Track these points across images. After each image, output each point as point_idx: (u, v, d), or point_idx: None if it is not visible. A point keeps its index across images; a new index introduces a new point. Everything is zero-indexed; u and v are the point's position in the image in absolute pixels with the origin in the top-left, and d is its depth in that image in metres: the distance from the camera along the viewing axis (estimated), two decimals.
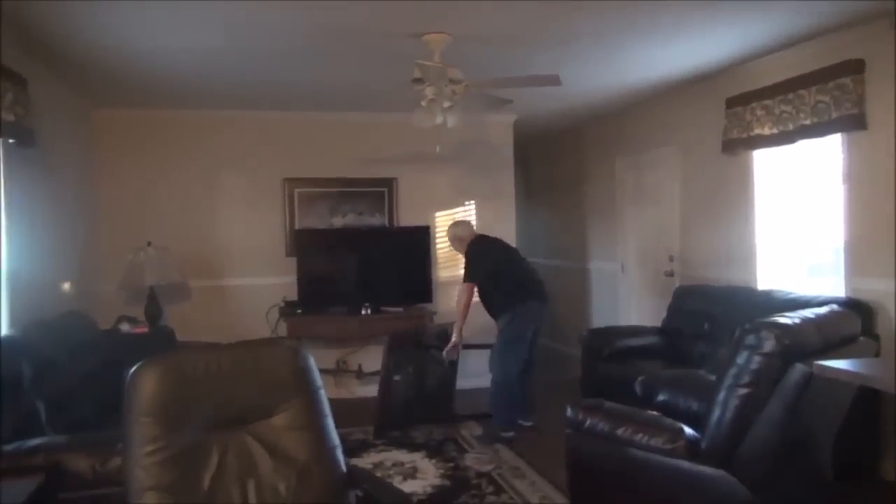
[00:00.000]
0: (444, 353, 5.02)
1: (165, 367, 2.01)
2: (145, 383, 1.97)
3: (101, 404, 3.53)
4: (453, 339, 4.98)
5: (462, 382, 5.51)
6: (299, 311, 5.78)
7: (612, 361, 4.97)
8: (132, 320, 5.11)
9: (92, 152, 5.59)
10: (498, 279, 4.98)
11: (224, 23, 3.67)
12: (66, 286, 4.78)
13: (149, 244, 5.38)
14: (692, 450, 2.64)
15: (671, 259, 5.93)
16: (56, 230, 4.61)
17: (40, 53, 4.07)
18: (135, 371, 1.98)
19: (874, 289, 3.93)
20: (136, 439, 1.93)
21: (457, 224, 5.43)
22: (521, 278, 5.05)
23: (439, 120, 4.07)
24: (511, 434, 4.77)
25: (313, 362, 2.19)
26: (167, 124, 5.87)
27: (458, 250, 5.32)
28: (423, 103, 4.01)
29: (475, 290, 5.01)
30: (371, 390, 6.03)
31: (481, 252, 5.07)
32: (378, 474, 3.88)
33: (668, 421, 2.79)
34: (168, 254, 5.46)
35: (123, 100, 5.49)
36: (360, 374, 6.12)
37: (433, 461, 4.30)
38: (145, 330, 5.09)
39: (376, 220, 6.30)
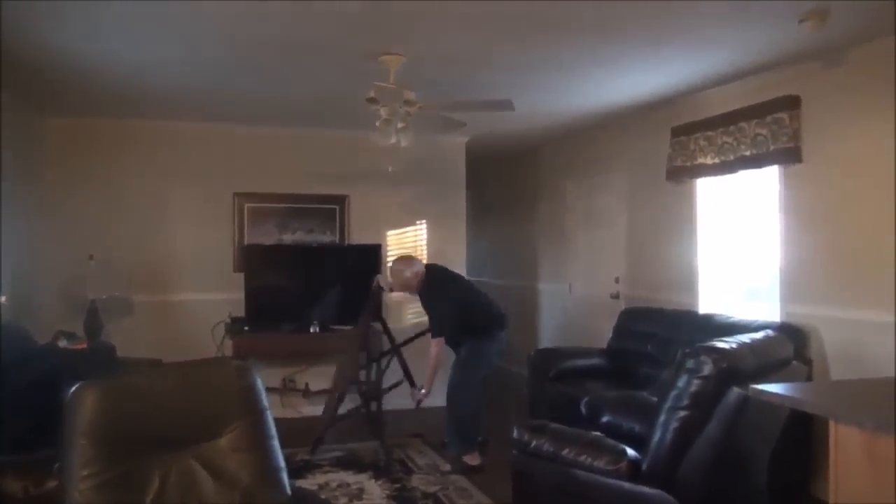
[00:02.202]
0: (413, 399, 4.81)
1: (107, 389, 1.97)
2: (85, 405, 1.93)
3: (36, 422, 3.41)
4: (423, 391, 4.74)
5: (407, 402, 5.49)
6: (246, 328, 5.69)
7: (558, 381, 5.05)
8: (71, 336, 4.95)
9: (35, 160, 5.42)
10: (464, 313, 4.72)
11: (177, 34, 3.63)
12: (1, 299, 4.61)
13: (91, 257, 5.23)
14: (634, 471, 2.71)
15: (617, 281, 6.06)
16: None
17: None
18: (74, 391, 1.93)
19: (807, 314, 4.10)
20: (74, 462, 1.88)
21: (403, 262, 4.91)
22: (486, 309, 4.87)
23: (393, 140, 4.11)
24: (478, 459, 4.63)
25: (260, 383, 2.18)
26: (115, 134, 5.74)
27: (408, 292, 4.96)
28: (378, 123, 4.04)
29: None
30: (318, 410, 5.99)
31: (446, 298, 4.72)
32: (323, 496, 3.84)
33: (611, 442, 2.85)
34: (112, 267, 5.33)
35: (71, 109, 5.36)
36: (306, 394, 6.05)
37: (379, 482, 4.28)
38: (84, 346, 4.93)
39: (327, 238, 6.27)
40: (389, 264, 5.11)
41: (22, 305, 4.98)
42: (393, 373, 5.19)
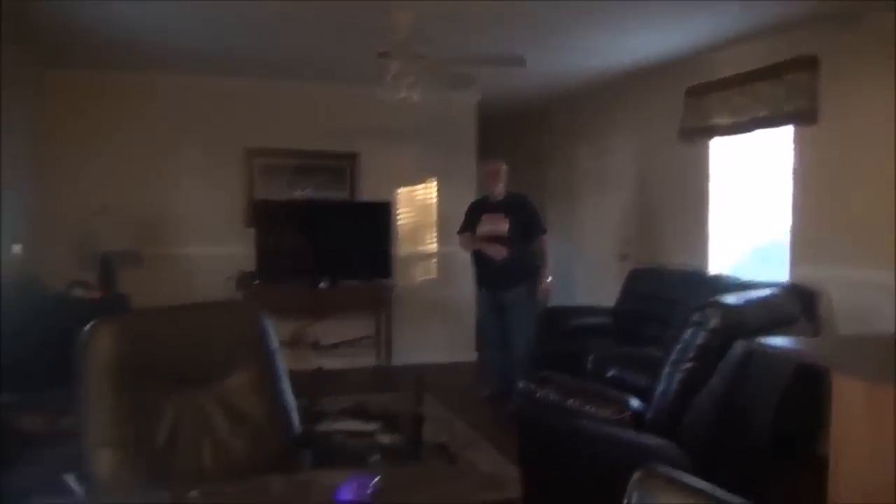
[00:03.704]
0: (539, 297, 5.05)
1: (122, 325, 2.01)
2: (101, 341, 1.97)
3: (52, 370, 3.48)
4: (549, 280, 5.05)
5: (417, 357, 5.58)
6: (256, 281, 5.75)
7: (566, 339, 5.09)
8: (85, 286, 5.02)
9: (45, 113, 5.42)
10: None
11: None
12: (17, 248, 4.67)
13: (103, 209, 5.27)
14: (638, 420, 2.75)
15: (626, 242, 6.06)
16: (5, 191, 4.49)
17: None
18: (90, 328, 1.97)
19: (816, 274, 4.10)
20: (90, 397, 1.93)
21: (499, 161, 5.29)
22: None
23: (403, 95, 4.08)
24: None
25: (271, 324, 2.21)
26: (125, 87, 5.72)
27: (493, 185, 5.15)
28: (388, 77, 4.02)
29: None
30: (328, 363, 6.08)
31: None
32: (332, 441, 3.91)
33: (616, 392, 2.89)
34: (124, 220, 5.37)
35: (79, 61, 5.34)
36: (316, 347, 6.13)
37: (388, 431, 4.34)
38: (98, 296, 5.00)
39: (337, 194, 6.28)
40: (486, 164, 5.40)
41: (37, 256, 5.04)
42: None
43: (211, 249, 5.92)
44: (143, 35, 4.61)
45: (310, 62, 5.39)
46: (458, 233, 5.33)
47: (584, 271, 6.79)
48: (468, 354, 6.48)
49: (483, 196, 5.27)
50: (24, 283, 4.31)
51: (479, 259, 5.16)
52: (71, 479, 1.78)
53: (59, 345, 3.50)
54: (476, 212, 5.22)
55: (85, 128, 5.64)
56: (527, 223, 5.03)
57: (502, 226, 4.99)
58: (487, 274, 5.13)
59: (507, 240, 4.94)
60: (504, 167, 5.19)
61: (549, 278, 5.07)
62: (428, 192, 6.51)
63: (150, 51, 5.04)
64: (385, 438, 4.13)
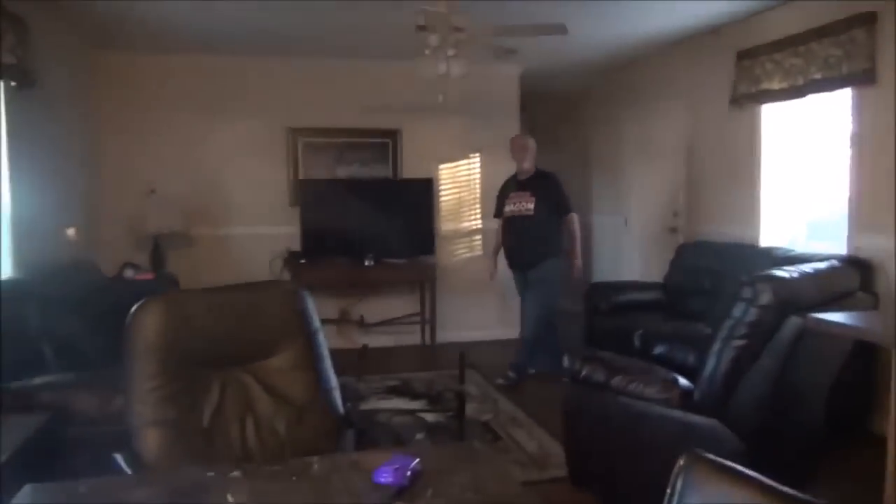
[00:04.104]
0: (575, 276, 5.03)
1: (166, 306, 2.04)
2: (147, 321, 2.00)
3: (107, 349, 3.58)
4: (578, 261, 5.03)
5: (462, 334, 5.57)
6: (302, 260, 5.81)
7: (613, 315, 5.01)
8: (136, 267, 5.15)
9: (94, 96, 5.54)
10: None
11: None
12: (71, 232, 4.81)
13: (153, 191, 5.38)
14: (686, 400, 2.68)
15: (675, 214, 5.91)
16: (59, 174, 4.62)
17: None
18: (136, 309, 2.00)
19: (876, 246, 3.92)
20: (137, 376, 1.96)
21: (527, 136, 5.26)
22: None
23: (443, 69, 4.02)
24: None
25: (312, 304, 2.21)
26: (170, 69, 5.80)
27: (519, 160, 5.09)
28: (427, 51, 3.96)
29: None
30: (373, 340, 6.13)
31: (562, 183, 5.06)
32: (377, 419, 3.95)
33: (663, 371, 2.82)
34: (171, 202, 5.48)
35: (125, 43, 5.43)
36: (362, 324, 6.18)
37: (432, 410, 4.37)
38: (149, 277, 5.13)
39: (380, 171, 6.28)
40: (513, 139, 5.28)
41: (90, 238, 5.19)
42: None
43: (257, 229, 6.00)
44: (188, 18, 4.65)
45: (350, 39, 5.37)
46: (495, 216, 5.30)
47: (631, 245, 6.66)
48: (513, 331, 6.43)
49: (513, 175, 5.19)
50: (79, 265, 4.43)
51: (505, 240, 5.15)
52: (120, 458, 1.82)
53: (113, 325, 3.62)
54: (505, 191, 5.17)
55: (131, 110, 5.74)
56: (553, 202, 4.92)
57: (528, 204, 4.92)
58: (512, 255, 5.11)
59: (531, 218, 4.90)
60: (532, 142, 5.12)
61: (579, 259, 5.02)
62: (471, 167, 6.45)
63: (195, 33, 5.08)
64: (429, 417, 4.18)
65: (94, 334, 3.73)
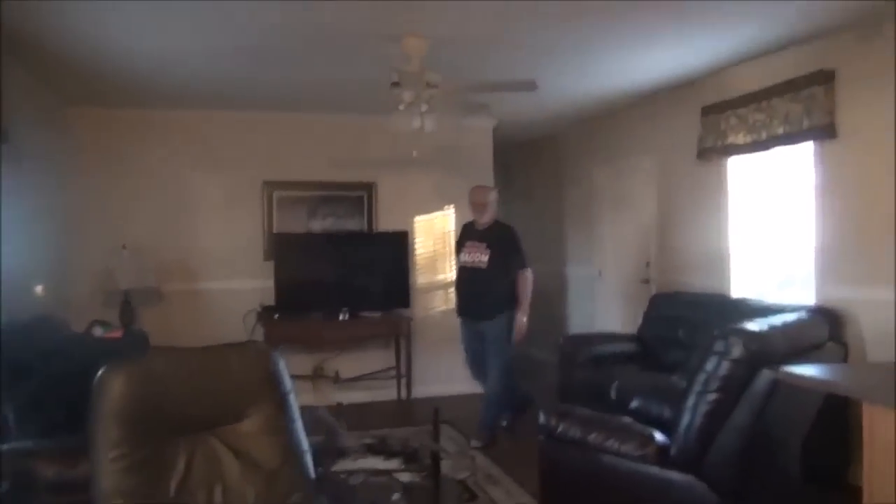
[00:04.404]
0: (518, 334, 4.84)
1: (132, 371, 1.99)
2: (112, 386, 1.95)
3: (73, 409, 3.47)
4: (525, 319, 4.82)
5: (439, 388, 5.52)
6: (276, 315, 5.75)
7: (588, 367, 4.99)
8: (105, 324, 5.05)
9: (66, 151, 5.51)
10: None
11: (201, 21, 3.66)
12: (39, 289, 4.72)
13: (123, 247, 5.32)
14: (662, 455, 2.67)
15: (647, 265, 5.98)
16: (28, 230, 4.55)
17: (14, 50, 4.02)
18: (102, 374, 1.96)
19: (843, 296, 3.99)
20: (101, 444, 1.91)
21: (486, 188, 5.14)
22: None
23: (417, 124, 4.09)
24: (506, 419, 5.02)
25: (283, 366, 2.18)
26: (144, 124, 5.81)
27: (478, 214, 5.00)
28: (401, 107, 4.02)
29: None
30: (348, 396, 6.04)
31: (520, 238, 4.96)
32: (351, 481, 3.86)
33: (639, 426, 2.81)
34: (143, 257, 5.42)
35: (99, 98, 5.44)
36: (337, 380, 6.10)
37: (408, 469, 4.28)
38: (118, 334, 5.02)
39: (355, 224, 6.29)
40: (473, 192, 5.12)
41: (58, 295, 5.09)
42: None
43: (230, 284, 5.95)
44: (162, 73, 4.68)
45: (324, 94, 5.44)
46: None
47: (605, 296, 6.70)
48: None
49: (471, 221, 5.15)
50: (45, 323, 4.33)
51: (457, 286, 5.13)
52: None
53: (79, 387, 3.52)
54: (463, 238, 5.13)
55: (104, 165, 5.71)
56: (509, 257, 4.84)
57: (483, 257, 4.85)
58: (464, 304, 5.05)
59: (485, 271, 4.82)
60: (492, 196, 5.04)
61: (525, 318, 4.82)
62: (445, 219, 6.49)
63: (169, 88, 5.11)
64: (405, 476, 4.09)
65: (60, 395, 3.62)
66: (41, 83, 4.79)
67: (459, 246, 5.13)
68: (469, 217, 5.22)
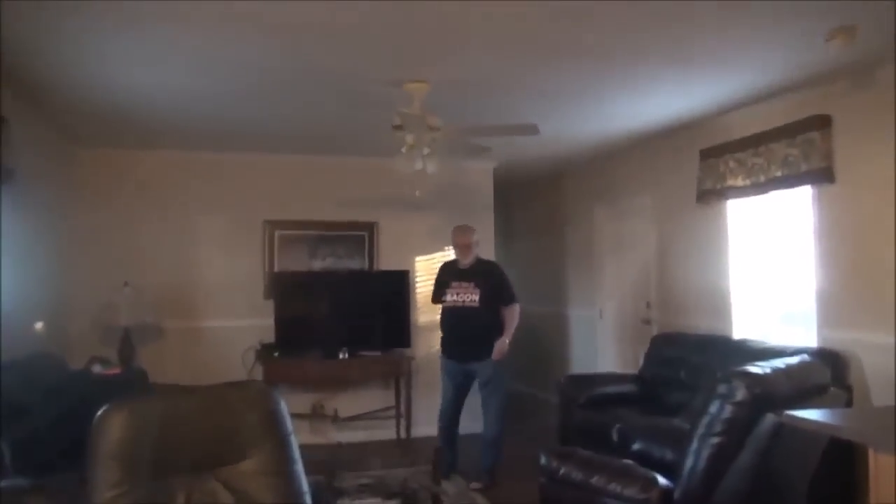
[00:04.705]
0: (497, 352, 4.75)
1: (132, 410, 1.98)
2: (111, 426, 1.94)
3: (69, 447, 3.44)
4: (507, 342, 4.77)
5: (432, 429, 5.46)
6: (276, 353, 5.73)
7: (589, 408, 4.96)
8: (104, 361, 5.02)
9: (70, 190, 5.56)
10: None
11: (206, 65, 3.72)
12: (39, 325, 4.71)
13: (125, 284, 5.33)
14: (666, 499, 2.63)
15: (648, 306, 5.97)
16: (31, 267, 4.56)
17: (22, 92, 4.09)
18: (102, 413, 1.95)
19: (846, 338, 3.98)
20: (100, 483, 1.88)
21: (469, 228, 5.06)
22: None
23: (419, 166, 4.13)
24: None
25: (284, 406, 2.17)
26: (147, 164, 5.87)
27: (463, 255, 4.96)
28: (404, 150, 4.07)
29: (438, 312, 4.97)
30: (347, 436, 5.98)
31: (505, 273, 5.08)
32: None
33: (642, 470, 2.78)
34: (144, 294, 5.42)
35: (103, 139, 5.50)
36: (335, 419, 6.04)
37: None
38: (117, 371, 5.00)
39: (356, 264, 6.30)
40: (455, 233, 5.09)
41: (58, 332, 5.08)
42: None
43: (230, 321, 5.93)
44: (165, 114, 4.74)
45: (326, 136, 5.51)
46: (433, 301, 5.17)
47: (606, 337, 6.68)
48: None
49: (453, 260, 5.11)
50: (44, 360, 4.32)
51: (448, 327, 4.99)
52: None
53: (76, 425, 3.49)
54: (445, 277, 5.04)
55: (107, 204, 5.76)
56: (498, 294, 4.85)
57: (473, 296, 4.82)
58: (454, 346, 4.94)
59: (477, 310, 4.79)
60: (476, 236, 5.02)
61: (507, 340, 4.77)
62: (446, 259, 6.48)
63: (173, 129, 5.17)
64: None
65: (57, 433, 3.59)
66: (46, 123, 4.85)
67: (442, 286, 5.02)
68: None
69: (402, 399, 6.05)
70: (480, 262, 5.01)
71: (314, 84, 4.08)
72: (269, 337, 5.80)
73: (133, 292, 5.36)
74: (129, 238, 5.77)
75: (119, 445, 1.91)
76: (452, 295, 4.91)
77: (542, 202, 8.14)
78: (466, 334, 4.86)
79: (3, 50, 3.38)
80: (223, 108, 4.61)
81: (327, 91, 4.21)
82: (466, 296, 4.85)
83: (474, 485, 4.76)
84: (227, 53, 3.53)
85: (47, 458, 3.38)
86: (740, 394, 2.58)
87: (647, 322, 5.93)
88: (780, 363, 2.92)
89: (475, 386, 4.95)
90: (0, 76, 3.33)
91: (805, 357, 3.23)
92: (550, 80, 4.04)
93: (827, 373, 3.12)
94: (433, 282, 5.29)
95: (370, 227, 6.34)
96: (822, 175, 4.08)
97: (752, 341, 4.54)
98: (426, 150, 4.05)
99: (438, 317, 5.12)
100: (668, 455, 3.33)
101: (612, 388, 5.16)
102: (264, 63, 3.69)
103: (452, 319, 4.94)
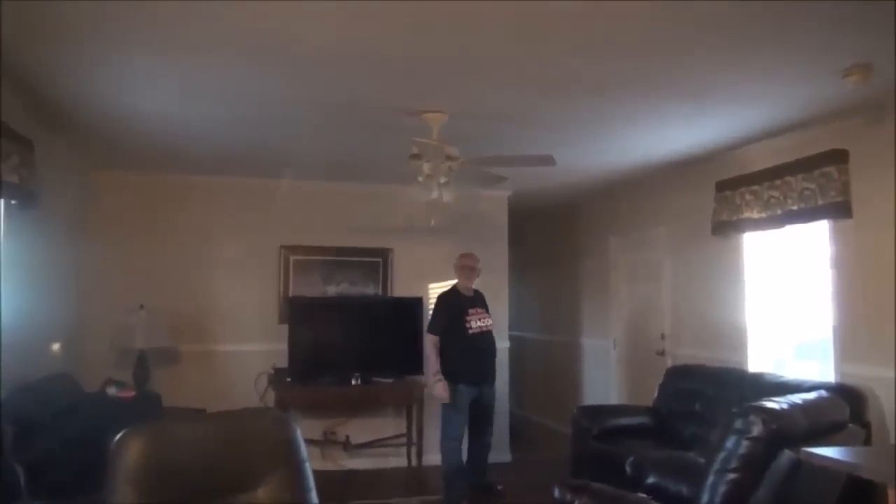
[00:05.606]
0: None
1: (149, 436, 1.99)
2: (128, 451, 1.95)
3: (83, 469, 3.46)
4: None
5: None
6: (289, 379, 5.73)
7: (602, 440, 4.91)
8: (119, 384, 5.06)
9: (89, 213, 5.64)
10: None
11: (225, 92, 3.78)
12: (56, 347, 4.76)
13: (141, 307, 5.38)
14: None
15: (662, 337, 5.94)
16: (48, 289, 4.62)
17: (45, 117, 4.17)
18: (120, 438, 1.96)
19: (864, 374, 3.93)
20: None
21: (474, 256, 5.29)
22: None
23: (435, 195, 4.16)
24: None
25: (300, 435, 2.18)
26: (165, 188, 5.94)
27: (467, 280, 5.19)
28: (420, 178, 4.11)
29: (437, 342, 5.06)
30: (358, 463, 5.95)
31: None
32: None
33: None
34: (159, 317, 5.45)
35: (123, 163, 5.59)
36: (347, 446, 6.02)
37: None
38: (132, 394, 5.03)
39: (370, 290, 6.32)
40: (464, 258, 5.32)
41: (74, 353, 5.12)
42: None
43: (245, 346, 5.96)
44: (184, 140, 4.81)
45: (343, 163, 5.56)
46: (431, 332, 5.09)
47: (620, 368, 6.64)
48: (503, 454, 6.29)
49: (453, 290, 5.24)
50: (59, 381, 4.35)
51: (470, 353, 5.01)
52: None
53: (91, 447, 3.51)
54: (454, 308, 5.08)
55: (125, 227, 5.82)
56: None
57: (488, 321, 5.17)
58: (477, 372, 5.04)
59: (491, 333, 5.16)
60: (479, 264, 5.30)
61: None
62: (442, 291, 6.49)
63: (191, 154, 5.24)
64: None
65: (71, 455, 3.61)
66: (66, 146, 4.93)
67: (461, 313, 5.05)
68: (484, 287, 5.40)
69: (414, 426, 6.03)
70: (475, 290, 5.31)
71: (333, 113, 4.14)
72: (283, 361, 5.81)
73: (149, 315, 5.40)
74: (145, 261, 5.83)
75: (136, 470, 1.92)
76: (476, 321, 5.10)
77: (556, 231, 8.16)
78: (487, 359, 5.14)
79: (28, 75, 3.47)
80: (239, 134, 4.66)
81: (346, 119, 4.27)
82: (484, 321, 5.14)
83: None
84: (247, 82, 3.60)
85: (61, 481, 3.40)
86: (757, 429, 2.56)
87: (662, 353, 5.90)
88: (797, 398, 2.90)
89: None
90: (0, 76, 3.38)
91: (822, 393, 3.20)
92: (566, 112, 4.07)
93: (845, 409, 3.09)
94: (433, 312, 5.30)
95: (385, 254, 6.38)
96: (839, 209, 4.06)
97: (768, 375, 4.50)
98: (443, 180, 4.09)
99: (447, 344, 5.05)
100: (684, 490, 3.29)
101: (625, 420, 5.11)
102: (284, 92, 3.75)
103: (481, 344, 5.11)
